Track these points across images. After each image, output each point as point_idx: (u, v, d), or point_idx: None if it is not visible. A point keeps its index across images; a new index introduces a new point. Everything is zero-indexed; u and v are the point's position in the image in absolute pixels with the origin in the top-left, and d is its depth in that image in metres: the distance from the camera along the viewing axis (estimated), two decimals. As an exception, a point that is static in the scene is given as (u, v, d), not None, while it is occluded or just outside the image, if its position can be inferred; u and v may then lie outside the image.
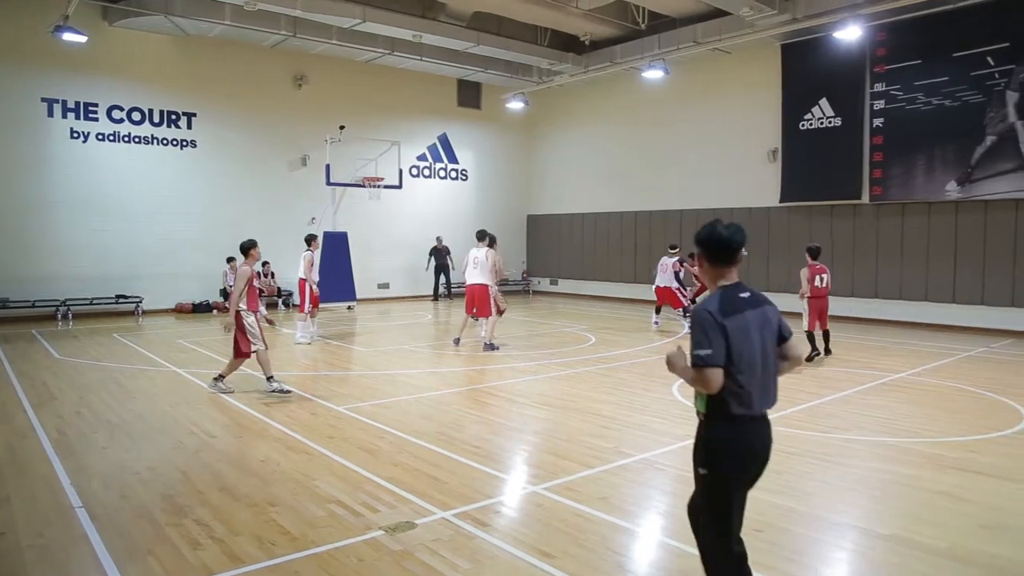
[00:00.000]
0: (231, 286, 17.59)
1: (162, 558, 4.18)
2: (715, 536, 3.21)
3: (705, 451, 3.18)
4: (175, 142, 17.59)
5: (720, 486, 3.16)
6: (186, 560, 4.16)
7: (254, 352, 8.37)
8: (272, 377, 8.48)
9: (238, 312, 8.34)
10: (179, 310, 17.39)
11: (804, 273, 11.16)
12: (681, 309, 14.81)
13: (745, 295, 3.19)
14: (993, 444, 6.64)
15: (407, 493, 5.21)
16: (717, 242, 3.19)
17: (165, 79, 17.31)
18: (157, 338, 13.45)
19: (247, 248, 8.78)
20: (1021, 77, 13.77)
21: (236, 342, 8.40)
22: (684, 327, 14.37)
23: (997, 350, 12.28)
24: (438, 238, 21.35)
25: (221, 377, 8.63)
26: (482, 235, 12.00)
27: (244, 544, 4.36)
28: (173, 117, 17.54)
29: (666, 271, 14.89)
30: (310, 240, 12.89)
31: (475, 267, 11.70)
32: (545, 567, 4.06)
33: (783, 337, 3.24)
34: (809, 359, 10.79)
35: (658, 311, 15.32)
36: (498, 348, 11.51)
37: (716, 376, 2.98)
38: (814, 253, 11.37)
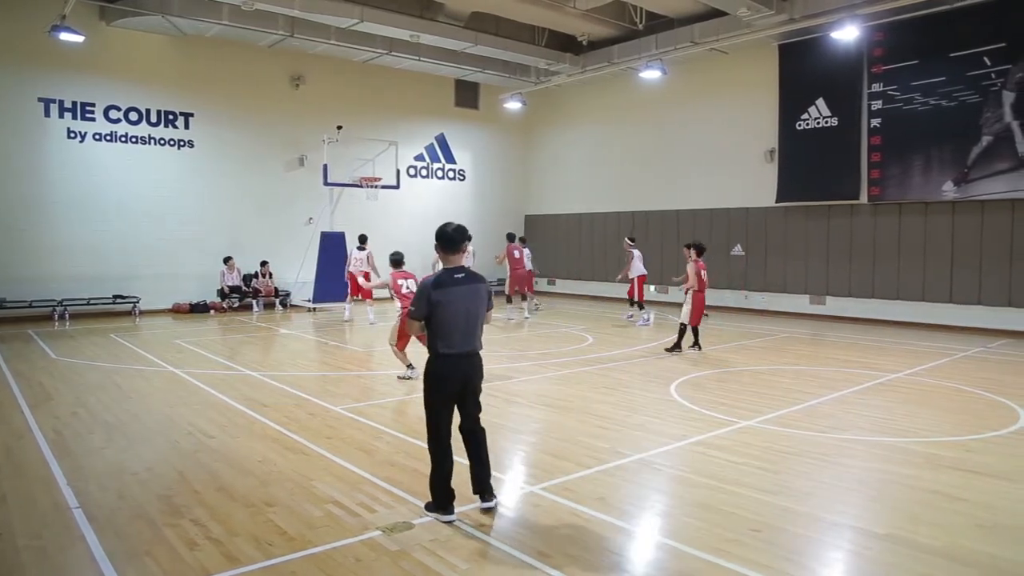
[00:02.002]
0: (228, 286, 17.72)
1: (159, 559, 4.18)
2: (429, 431, 4.82)
3: (424, 376, 4.84)
4: (172, 142, 17.56)
5: (428, 398, 4.81)
6: (183, 561, 4.15)
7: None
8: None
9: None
10: (176, 310, 17.37)
11: (691, 268, 11.52)
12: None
13: (460, 275, 4.75)
14: (990, 444, 6.66)
15: (404, 493, 5.21)
16: (447, 238, 4.81)
17: (162, 79, 17.28)
18: (154, 338, 13.43)
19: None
20: (1017, 77, 13.80)
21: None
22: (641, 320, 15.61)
23: (994, 350, 12.30)
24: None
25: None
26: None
27: (241, 544, 4.36)
28: (170, 117, 17.52)
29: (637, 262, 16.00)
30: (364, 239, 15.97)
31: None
32: (542, 567, 4.06)
33: (489, 305, 4.95)
34: (672, 349, 11.60)
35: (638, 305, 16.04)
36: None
37: (413, 325, 4.80)
38: (700, 249, 11.70)
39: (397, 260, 10.67)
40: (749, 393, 8.71)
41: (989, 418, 7.43)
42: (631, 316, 16.33)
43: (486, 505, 4.86)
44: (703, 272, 11.70)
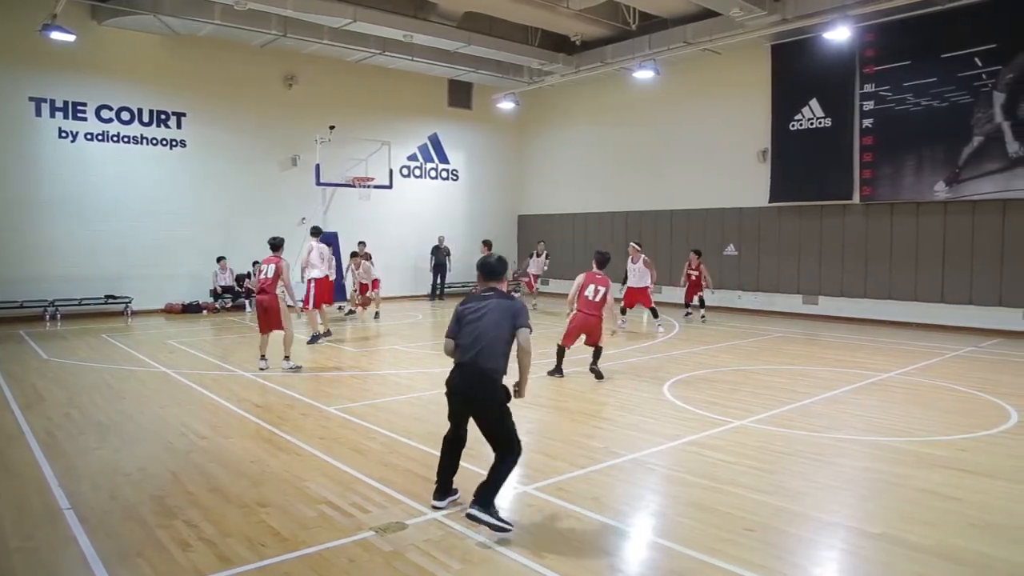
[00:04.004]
0: (221, 286, 17.66)
1: (152, 560, 4.16)
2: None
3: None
4: (164, 142, 17.50)
5: (448, 401, 4.94)
6: (176, 562, 4.13)
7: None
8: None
9: None
10: (169, 310, 17.31)
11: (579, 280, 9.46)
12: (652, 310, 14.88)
13: (488, 293, 4.92)
14: (982, 443, 6.69)
15: (398, 493, 5.21)
16: (481, 265, 5.09)
17: (154, 79, 17.21)
18: (147, 339, 13.37)
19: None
20: (1008, 78, 13.87)
21: None
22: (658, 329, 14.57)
23: (985, 349, 12.36)
24: (440, 238, 21.42)
25: None
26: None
27: (234, 545, 4.34)
28: (163, 117, 17.45)
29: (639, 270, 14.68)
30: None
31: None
32: (536, 567, 4.06)
33: (518, 324, 4.81)
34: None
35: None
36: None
37: (448, 343, 4.91)
38: (601, 261, 9.63)
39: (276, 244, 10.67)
40: (743, 393, 8.73)
41: (981, 417, 7.47)
42: (688, 315, 16.49)
43: (448, 502, 4.97)
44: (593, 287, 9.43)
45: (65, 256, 16.02)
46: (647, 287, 14.53)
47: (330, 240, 18.44)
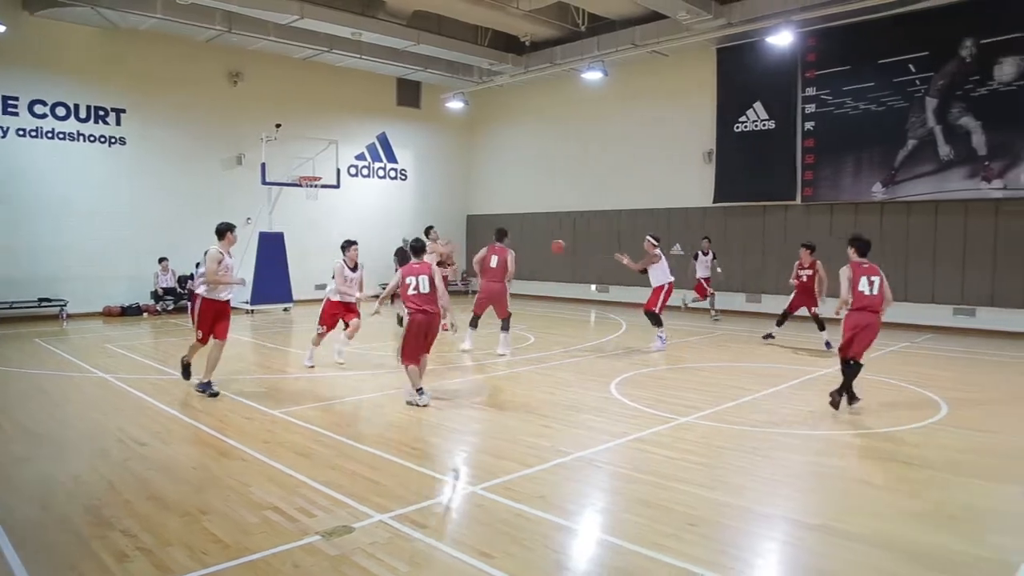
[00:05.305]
0: (162, 288, 17.20)
1: (86, 573, 4.02)
2: None
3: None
4: (103, 139, 16.96)
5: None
6: (112, 574, 4.00)
7: None
8: None
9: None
10: (107, 313, 16.77)
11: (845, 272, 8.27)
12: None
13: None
14: (914, 434, 6.93)
15: (344, 497, 5.14)
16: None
17: (92, 73, 16.64)
18: (83, 343, 12.94)
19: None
20: (939, 84, 14.41)
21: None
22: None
23: (919, 344, 12.81)
24: (404, 239, 21.04)
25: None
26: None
27: (174, 554, 4.23)
28: (101, 113, 16.91)
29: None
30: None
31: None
32: (484, 567, 4.05)
33: None
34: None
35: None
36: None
37: None
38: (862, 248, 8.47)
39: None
40: (688, 390, 8.88)
41: (914, 410, 7.73)
42: (716, 317, 16.33)
43: None
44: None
45: (-4, 257, 15.40)
46: (658, 287, 12.15)
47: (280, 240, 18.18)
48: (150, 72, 17.43)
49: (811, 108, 16.23)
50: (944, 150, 14.42)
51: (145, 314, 17.05)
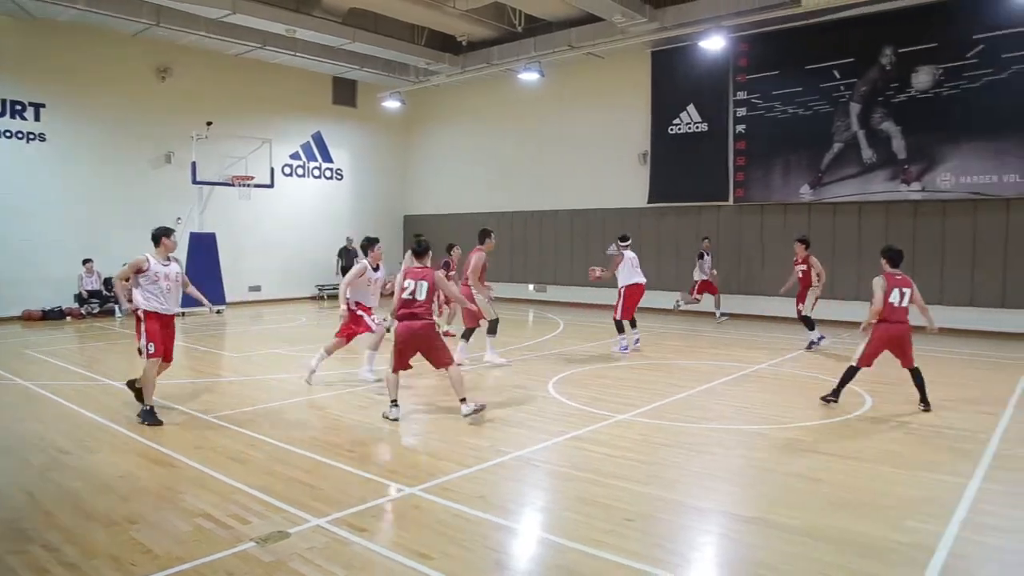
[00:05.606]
0: (87, 291, 16.52)
1: (3, 588, 3.84)
2: None
3: None
4: (20, 135, 16.19)
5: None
6: (32, 588, 3.84)
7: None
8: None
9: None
10: (27, 317, 16.02)
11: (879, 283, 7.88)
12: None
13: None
14: (841, 427, 7.19)
15: (280, 502, 5.04)
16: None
17: (7, 65, 15.86)
18: (1, 348, 12.33)
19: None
20: (862, 90, 15.01)
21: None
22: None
23: (843, 340, 13.28)
24: (348, 239, 20.68)
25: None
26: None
27: (100, 567, 4.07)
28: (17, 108, 16.14)
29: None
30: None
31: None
32: (422, 569, 4.03)
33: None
34: None
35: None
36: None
37: None
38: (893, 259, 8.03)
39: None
40: (625, 388, 9.01)
41: (840, 404, 8.01)
42: (720, 320, 16.06)
43: None
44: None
45: (-97, 259, 14.55)
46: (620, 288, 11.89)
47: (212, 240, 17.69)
48: (72, 65, 16.72)
49: (742, 111, 16.68)
50: (867, 154, 15.02)
51: (68, 318, 16.36)
